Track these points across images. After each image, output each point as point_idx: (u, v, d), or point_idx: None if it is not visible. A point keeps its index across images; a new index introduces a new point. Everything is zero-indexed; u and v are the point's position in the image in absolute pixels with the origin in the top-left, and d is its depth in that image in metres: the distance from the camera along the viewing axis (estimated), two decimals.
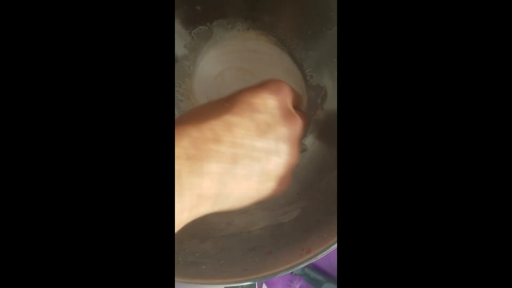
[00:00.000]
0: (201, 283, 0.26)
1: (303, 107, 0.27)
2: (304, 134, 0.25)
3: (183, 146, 0.19)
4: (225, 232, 0.32)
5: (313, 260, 0.25)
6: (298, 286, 0.43)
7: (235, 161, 0.21)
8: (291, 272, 0.42)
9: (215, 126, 0.21)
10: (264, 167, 0.22)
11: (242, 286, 0.32)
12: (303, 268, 0.42)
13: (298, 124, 0.24)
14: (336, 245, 0.25)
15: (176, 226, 0.19)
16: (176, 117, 0.22)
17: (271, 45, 0.37)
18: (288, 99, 0.24)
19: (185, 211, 0.19)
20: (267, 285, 0.43)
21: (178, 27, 0.37)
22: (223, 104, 0.22)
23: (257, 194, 0.23)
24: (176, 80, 0.38)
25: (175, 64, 0.38)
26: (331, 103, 0.36)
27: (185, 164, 0.19)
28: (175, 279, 0.26)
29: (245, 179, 0.21)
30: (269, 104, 0.23)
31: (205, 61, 0.38)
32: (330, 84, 0.36)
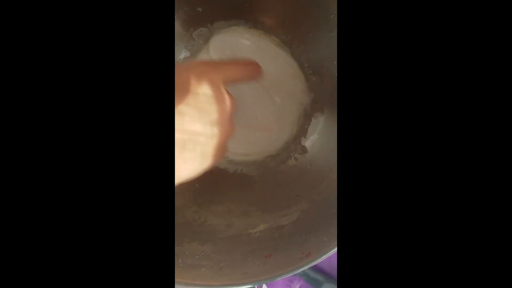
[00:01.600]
0: (201, 286, 0.26)
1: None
2: (234, 110, 0.29)
3: None
4: (225, 235, 0.32)
5: (313, 264, 0.25)
6: (298, 286, 0.43)
7: (184, 147, 0.23)
8: None
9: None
10: (203, 150, 0.24)
11: None
12: None
13: (228, 105, 0.27)
14: (336, 248, 0.25)
15: None
16: None
17: (272, 45, 0.37)
18: (223, 84, 0.27)
19: None
20: (267, 285, 0.43)
21: (179, 29, 0.37)
22: (178, 93, 0.24)
23: (195, 174, 0.25)
24: None
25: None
26: (331, 105, 0.36)
27: None
28: (176, 281, 0.26)
29: (191, 162, 0.24)
30: (207, 93, 0.25)
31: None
32: (330, 86, 0.36)
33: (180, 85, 0.25)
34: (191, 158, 0.24)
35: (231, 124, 0.28)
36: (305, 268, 0.25)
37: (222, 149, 0.27)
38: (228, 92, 0.28)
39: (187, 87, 0.25)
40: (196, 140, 0.24)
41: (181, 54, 0.38)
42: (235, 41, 0.37)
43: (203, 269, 0.28)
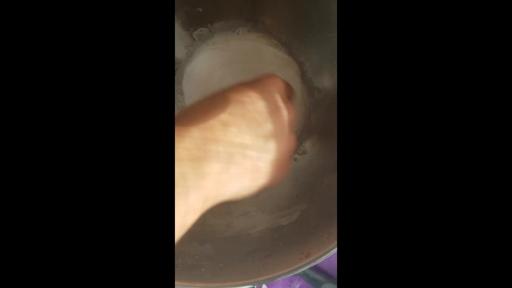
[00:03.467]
0: (201, 287, 0.26)
1: (294, 97, 0.29)
2: (295, 121, 0.27)
3: (187, 148, 0.20)
4: (224, 235, 0.32)
5: (312, 265, 0.25)
6: (298, 286, 0.43)
7: (231, 160, 0.21)
8: None
9: (213, 126, 0.21)
10: (255, 165, 0.23)
11: None
12: None
13: (286, 115, 0.25)
14: (336, 249, 0.25)
15: (181, 229, 0.20)
16: (176, 114, 0.22)
17: (271, 47, 0.37)
18: (277, 93, 0.25)
19: (190, 214, 0.20)
20: (267, 285, 0.43)
21: (179, 29, 0.37)
22: (218, 101, 0.23)
23: (248, 191, 0.24)
24: (177, 82, 0.38)
25: (177, 66, 0.38)
26: (331, 105, 0.36)
27: (190, 166, 0.19)
28: (175, 282, 0.26)
29: (239, 177, 0.22)
30: (257, 102, 0.24)
31: (201, 61, 0.38)
32: (330, 86, 0.36)
33: (220, 96, 0.23)
34: (238, 174, 0.22)
35: (291, 137, 0.25)
36: (305, 269, 0.25)
37: (283, 165, 0.25)
38: (288, 102, 0.26)
39: (229, 96, 0.23)
40: (245, 154, 0.22)
41: (181, 54, 0.38)
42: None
43: (202, 269, 0.28)
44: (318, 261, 0.25)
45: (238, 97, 0.23)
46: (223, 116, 0.22)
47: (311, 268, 0.41)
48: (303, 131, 0.38)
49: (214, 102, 0.23)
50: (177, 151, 0.19)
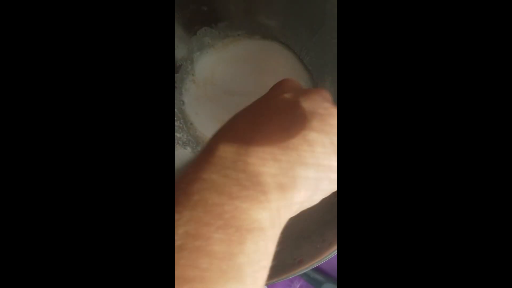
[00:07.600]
0: None
1: None
2: None
3: (272, 174, 0.17)
4: None
5: (304, 271, 0.25)
6: (298, 286, 0.43)
7: (317, 187, 0.19)
8: None
9: (298, 146, 0.18)
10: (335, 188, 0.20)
11: None
12: None
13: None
14: (329, 256, 0.25)
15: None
16: (232, 124, 0.19)
17: (274, 49, 0.37)
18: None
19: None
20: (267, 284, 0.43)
21: (184, 27, 0.37)
22: (292, 112, 0.20)
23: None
24: (179, 83, 0.38)
25: (180, 64, 0.38)
26: None
27: (279, 197, 0.17)
28: None
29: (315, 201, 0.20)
30: (333, 114, 0.20)
31: (204, 60, 0.38)
32: (332, 91, 0.36)
33: (291, 105, 0.19)
34: (318, 199, 0.19)
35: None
36: (296, 274, 0.25)
37: None
38: None
39: (304, 106, 0.19)
40: (331, 177, 0.19)
41: (184, 53, 0.38)
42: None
43: None
44: (310, 268, 0.25)
45: (314, 108, 0.20)
46: (307, 133, 0.18)
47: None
48: None
49: (285, 112, 0.19)
50: (262, 178, 0.16)
